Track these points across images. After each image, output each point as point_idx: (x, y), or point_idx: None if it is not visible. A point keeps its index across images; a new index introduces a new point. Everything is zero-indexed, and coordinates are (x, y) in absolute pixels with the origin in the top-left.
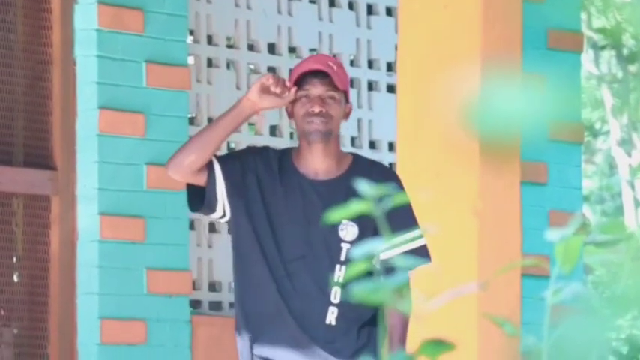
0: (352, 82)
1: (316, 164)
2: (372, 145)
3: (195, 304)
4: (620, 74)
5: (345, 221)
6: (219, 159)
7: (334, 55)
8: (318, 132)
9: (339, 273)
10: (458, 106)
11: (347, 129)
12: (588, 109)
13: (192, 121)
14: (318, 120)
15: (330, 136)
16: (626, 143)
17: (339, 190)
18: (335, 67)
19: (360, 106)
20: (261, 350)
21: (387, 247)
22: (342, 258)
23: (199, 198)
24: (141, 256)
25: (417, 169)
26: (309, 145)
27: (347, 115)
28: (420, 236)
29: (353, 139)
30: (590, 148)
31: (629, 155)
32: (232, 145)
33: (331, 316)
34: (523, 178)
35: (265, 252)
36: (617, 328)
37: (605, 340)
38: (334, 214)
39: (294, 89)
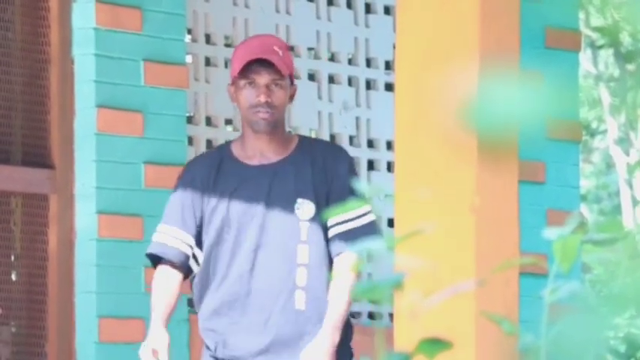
0: (350, 81)
1: (263, 148)
2: (370, 143)
3: (192, 302)
4: (617, 73)
5: (299, 199)
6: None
7: (333, 54)
8: (264, 121)
9: (303, 253)
10: (456, 105)
11: (345, 128)
12: (586, 108)
13: (190, 120)
14: (264, 110)
15: (276, 125)
16: (623, 142)
17: (287, 170)
18: (280, 52)
19: (358, 104)
20: (227, 349)
21: (336, 223)
22: (304, 237)
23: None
24: (139, 255)
25: (415, 167)
26: (255, 133)
27: (292, 98)
28: (370, 211)
29: (351, 138)
30: (588, 147)
31: (627, 154)
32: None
33: (300, 301)
34: (521, 176)
35: (225, 249)
36: (615, 327)
37: (603, 339)
38: (329, 212)
39: None
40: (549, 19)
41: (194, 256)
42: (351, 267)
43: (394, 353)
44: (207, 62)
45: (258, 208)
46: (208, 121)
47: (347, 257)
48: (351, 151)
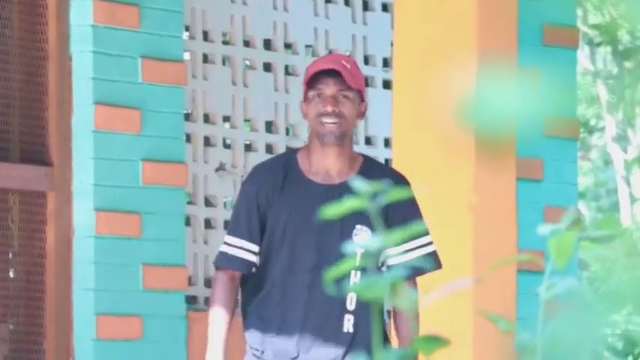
0: None
1: (329, 165)
2: (368, 140)
3: (191, 300)
4: (615, 70)
5: (358, 226)
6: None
7: (330, 51)
8: (331, 134)
9: (355, 279)
10: (453, 102)
11: None
12: (584, 106)
13: (187, 117)
14: (331, 120)
15: (345, 138)
16: (621, 139)
17: (350, 195)
18: (348, 66)
19: None
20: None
21: (398, 253)
22: (357, 263)
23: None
24: (137, 252)
25: (412, 164)
26: (323, 147)
27: (362, 114)
28: (431, 242)
29: None
30: (586, 145)
31: (625, 151)
32: (228, 142)
33: (348, 324)
34: (519, 174)
35: (281, 265)
36: (613, 324)
37: (600, 336)
38: (335, 209)
39: None
40: (547, 16)
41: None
42: (413, 312)
43: (392, 350)
44: (205, 59)
45: (318, 229)
46: (206, 118)
47: (408, 286)
48: None
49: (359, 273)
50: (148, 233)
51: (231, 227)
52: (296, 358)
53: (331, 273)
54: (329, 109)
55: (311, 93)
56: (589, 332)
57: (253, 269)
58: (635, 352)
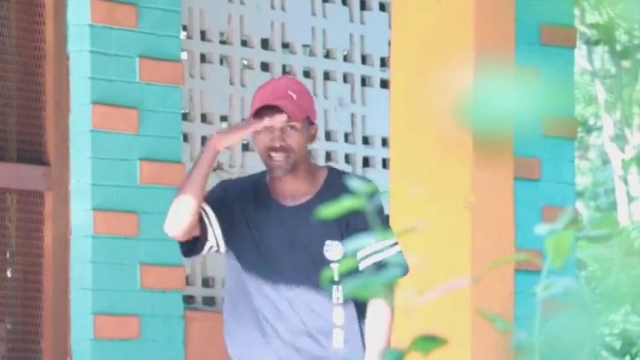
0: (345, 78)
1: (289, 191)
2: (366, 140)
3: (188, 299)
4: (613, 70)
5: (327, 242)
6: (208, 202)
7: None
8: (280, 169)
9: (337, 294)
10: (451, 102)
11: (340, 124)
12: (582, 105)
13: (185, 117)
14: (279, 156)
15: (295, 167)
16: (619, 139)
17: (316, 212)
18: (294, 96)
19: (353, 101)
20: None
21: (364, 257)
22: (336, 278)
23: (191, 243)
24: (134, 252)
25: (410, 164)
26: (277, 178)
27: (313, 138)
28: (396, 244)
29: (346, 135)
30: (584, 144)
31: (623, 151)
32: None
33: (338, 339)
34: (516, 173)
35: (260, 287)
36: (611, 324)
37: (598, 335)
38: (325, 211)
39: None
40: (544, 16)
41: (204, 236)
42: (385, 305)
43: (389, 350)
44: (203, 59)
45: (289, 251)
46: (203, 118)
47: (381, 304)
48: (346, 148)
49: (340, 287)
50: (146, 233)
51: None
52: None
53: (310, 293)
54: (276, 144)
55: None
56: (587, 331)
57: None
58: (632, 352)
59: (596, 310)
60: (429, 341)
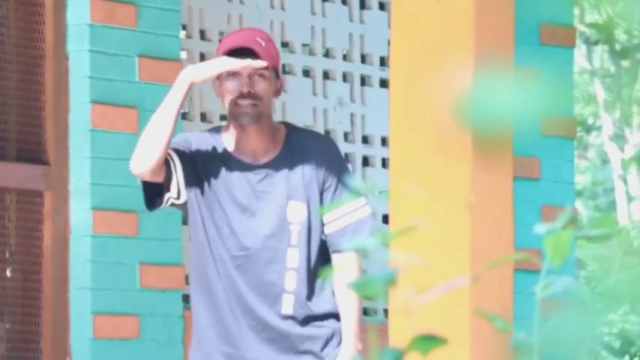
0: (345, 77)
1: (252, 146)
2: (365, 139)
3: (188, 299)
4: (612, 69)
5: (290, 202)
6: (171, 148)
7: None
8: (247, 115)
9: (293, 257)
10: (451, 101)
11: (340, 124)
12: (581, 104)
13: (184, 116)
14: (247, 102)
15: (261, 117)
16: (618, 138)
17: (278, 172)
18: (263, 43)
19: (352, 100)
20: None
21: (332, 220)
22: (294, 241)
23: (154, 193)
24: (134, 251)
25: (409, 163)
26: (241, 127)
27: (278, 92)
28: (365, 205)
29: (346, 134)
30: (583, 143)
31: (622, 150)
32: None
33: (287, 305)
34: (516, 173)
35: (216, 246)
36: (610, 323)
37: (597, 335)
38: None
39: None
40: (544, 15)
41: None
42: (353, 266)
43: (388, 349)
44: (202, 58)
45: (249, 210)
46: (203, 117)
47: (348, 256)
48: (346, 147)
49: (296, 250)
50: (145, 232)
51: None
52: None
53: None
54: (245, 89)
55: (225, 72)
56: (586, 331)
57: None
58: (632, 351)
59: (596, 309)
60: (429, 341)
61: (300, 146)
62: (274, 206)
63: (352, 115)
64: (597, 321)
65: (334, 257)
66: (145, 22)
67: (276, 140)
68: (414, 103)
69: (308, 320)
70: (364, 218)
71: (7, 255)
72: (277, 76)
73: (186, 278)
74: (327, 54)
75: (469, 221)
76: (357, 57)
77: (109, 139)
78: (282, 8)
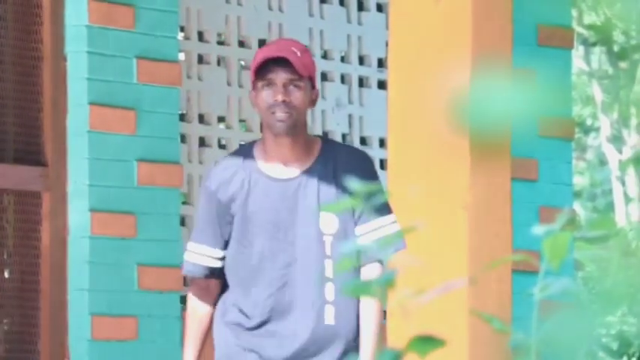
0: (343, 79)
1: (285, 156)
2: (363, 141)
3: (186, 300)
4: (610, 70)
5: (322, 214)
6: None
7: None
8: (282, 124)
9: (329, 268)
10: (448, 102)
11: (338, 125)
12: (579, 106)
13: (182, 118)
14: (281, 111)
15: (296, 128)
16: (616, 139)
17: (311, 184)
18: (299, 53)
19: (350, 102)
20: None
21: (363, 234)
22: (328, 252)
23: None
24: (132, 253)
25: (407, 164)
26: (275, 138)
27: (313, 102)
28: (394, 222)
29: (344, 135)
30: (581, 145)
31: (620, 151)
32: (223, 142)
33: (330, 316)
34: (513, 174)
35: (253, 265)
36: (608, 325)
37: (595, 336)
38: (325, 207)
39: None
40: (542, 16)
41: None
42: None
43: (387, 350)
44: (200, 60)
45: (285, 224)
46: (201, 119)
47: (373, 269)
48: None
49: (331, 261)
50: (143, 233)
51: (193, 233)
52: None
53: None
54: (279, 98)
55: (260, 82)
56: (584, 332)
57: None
58: (629, 352)
59: (594, 310)
60: (427, 342)
61: (334, 158)
62: (308, 218)
63: (350, 116)
64: (595, 322)
65: (362, 270)
66: (142, 24)
67: (311, 152)
68: (411, 105)
69: (347, 329)
70: (393, 235)
71: (5, 256)
72: (313, 86)
73: (184, 280)
74: (325, 55)
75: (467, 222)
76: (354, 58)
77: (107, 140)
78: (280, 10)
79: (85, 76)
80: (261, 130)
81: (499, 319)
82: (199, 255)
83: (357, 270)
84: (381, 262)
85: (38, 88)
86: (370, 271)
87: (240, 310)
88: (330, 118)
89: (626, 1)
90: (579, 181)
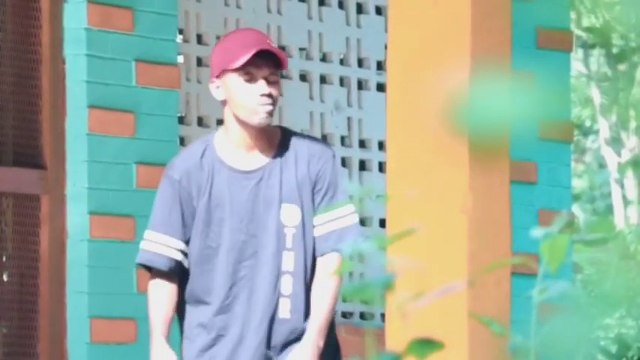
0: (342, 81)
1: (249, 146)
2: (362, 143)
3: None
4: (609, 73)
5: (284, 205)
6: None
7: (324, 54)
8: (267, 117)
9: (288, 260)
10: (447, 105)
11: (337, 128)
12: (578, 108)
13: (181, 120)
14: (266, 104)
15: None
16: (615, 142)
17: (272, 175)
18: (274, 45)
19: (349, 104)
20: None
21: (322, 223)
22: (289, 244)
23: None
24: (130, 255)
25: (406, 167)
26: (244, 128)
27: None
28: (353, 212)
29: (343, 138)
30: (580, 147)
31: (619, 154)
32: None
33: (284, 309)
34: (512, 176)
35: (210, 256)
36: (606, 327)
37: (593, 339)
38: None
39: None
40: (540, 19)
41: (187, 256)
42: (334, 270)
43: (385, 353)
44: (199, 62)
45: (245, 215)
46: (200, 122)
47: (331, 259)
48: (343, 152)
49: (291, 253)
50: (142, 236)
51: (152, 222)
52: (240, 339)
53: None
54: (266, 91)
55: (241, 75)
56: (582, 335)
57: (185, 264)
58: (628, 355)
59: (592, 313)
60: (426, 345)
61: (294, 149)
62: (269, 210)
63: (349, 119)
64: (594, 325)
65: (317, 261)
66: (141, 27)
67: (272, 143)
68: (411, 107)
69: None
70: (350, 226)
71: (4, 259)
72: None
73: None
74: (324, 58)
75: (466, 225)
76: (354, 61)
77: (106, 143)
78: (279, 12)
79: (83, 79)
80: (225, 121)
81: (498, 322)
82: (161, 245)
83: (314, 260)
84: (338, 251)
85: (37, 90)
86: (329, 262)
87: (201, 302)
88: (329, 120)
89: (624, 3)
90: (578, 183)
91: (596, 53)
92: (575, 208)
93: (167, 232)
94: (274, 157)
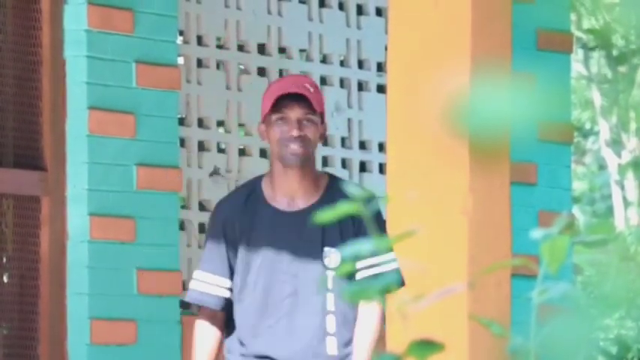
0: (342, 83)
1: (293, 189)
2: (362, 145)
3: (185, 304)
4: (609, 75)
5: (326, 248)
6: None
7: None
8: (296, 155)
9: (330, 301)
10: (447, 106)
11: (337, 129)
12: (578, 110)
13: (182, 122)
14: (295, 144)
15: (307, 161)
16: (615, 144)
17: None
18: (312, 90)
19: (350, 106)
20: None
21: (362, 268)
22: (330, 286)
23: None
24: (131, 257)
25: (407, 169)
26: (285, 170)
27: (322, 137)
28: (394, 259)
29: (343, 140)
30: (580, 149)
31: (619, 156)
32: (222, 146)
33: (331, 347)
34: (513, 178)
35: (256, 295)
36: (606, 328)
37: (593, 340)
38: (323, 216)
39: None
40: (541, 21)
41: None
42: (375, 314)
43: (386, 355)
44: (199, 64)
45: (288, 257)
46: (200, 123)
47: (373, 309)
48: (343, 153)
49: (333, 295)
50: (142, 238)
51: (201, 263)
52: None
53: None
54: (295, 133)
55: (274, 117)
56: (582, 336)
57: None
58: (628, 356)
59: (592, 314)
60: (426, 346)
61: (341, 195)
62: (312, 252)
63: (349, 120)
64: (594, 326)
65: (360, 309)
66: (141, 28)
67: (318, 187)
68: (411, 109)
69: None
70: (391, 271)
71: (4, 260)
72: (322, 121)
73: (184, 284)
74: (324, 60)
75: (466, 227)
76: (354, 63)
77: (106, 144)
78: (279, 14)
79: (84, 81)
80: (270, 164)
81: (498, 324)
82: (209, 284)
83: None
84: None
85: (37, 92)
86: (369, 312)
87: (241, 342)
88: (329, 122)
89: (624, 5)
90: (578, 185)
91: (597, 55)
92: (575, 210)
93: (215, 271)
94: (319, 200)
